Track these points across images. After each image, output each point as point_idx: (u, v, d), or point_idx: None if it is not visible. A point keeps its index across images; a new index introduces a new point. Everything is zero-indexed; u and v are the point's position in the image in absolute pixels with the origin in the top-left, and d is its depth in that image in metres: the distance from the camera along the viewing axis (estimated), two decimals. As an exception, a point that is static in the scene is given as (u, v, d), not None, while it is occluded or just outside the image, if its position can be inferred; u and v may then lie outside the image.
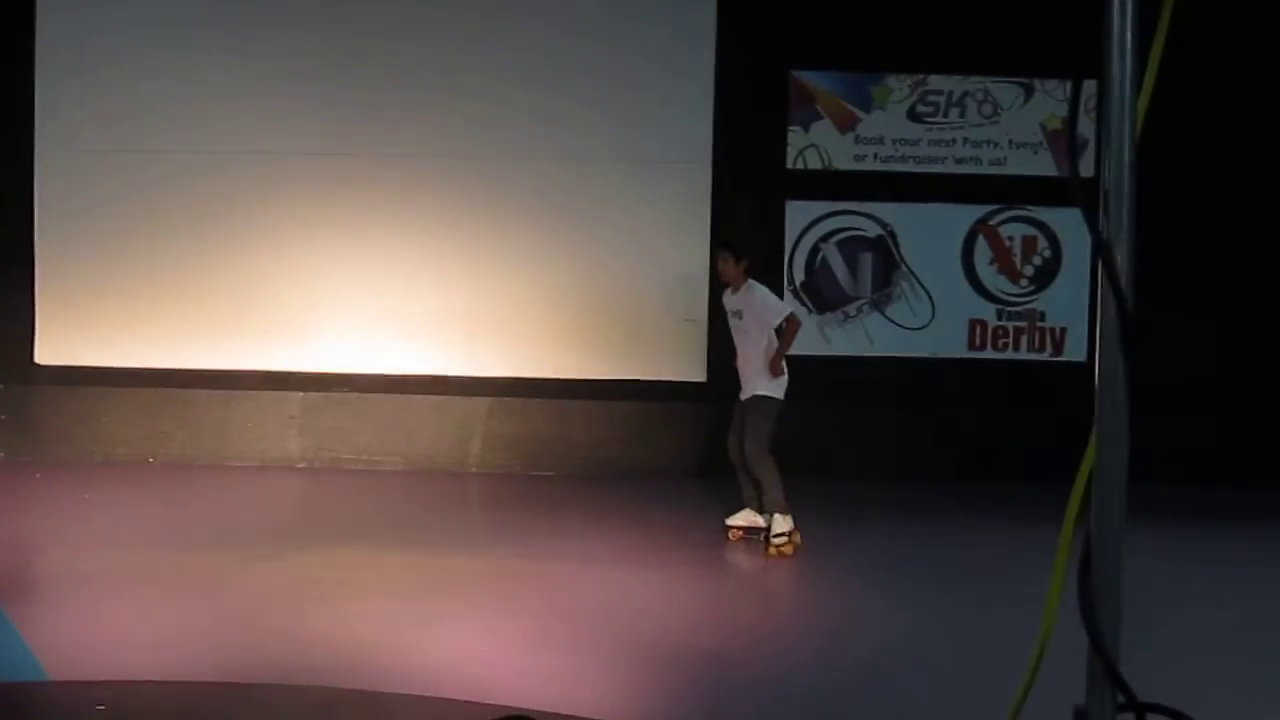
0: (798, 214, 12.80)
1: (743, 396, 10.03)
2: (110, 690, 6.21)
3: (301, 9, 12.69)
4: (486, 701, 6.28)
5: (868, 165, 12.78)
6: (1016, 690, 1.99)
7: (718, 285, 12.64)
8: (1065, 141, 12.69)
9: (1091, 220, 1.78)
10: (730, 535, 10.14)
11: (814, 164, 12.77)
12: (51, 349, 12.71)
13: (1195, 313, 12.21)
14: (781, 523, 9.78)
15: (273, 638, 7.35)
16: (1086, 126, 12.48)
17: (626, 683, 6.88)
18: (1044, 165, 12.73)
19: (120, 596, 8.08)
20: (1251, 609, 8.57)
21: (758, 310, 10.02)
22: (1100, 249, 1.77)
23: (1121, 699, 1.82)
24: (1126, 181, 1.78)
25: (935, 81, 12.76)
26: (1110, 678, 1.80)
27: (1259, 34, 12.48)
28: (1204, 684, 6.50)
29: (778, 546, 9.74)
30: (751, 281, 10.17)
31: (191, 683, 6.49)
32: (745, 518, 10.12)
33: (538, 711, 5.73)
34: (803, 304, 12.72)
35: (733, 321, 10.20)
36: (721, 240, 11.19)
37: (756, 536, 9.97)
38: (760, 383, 9.91)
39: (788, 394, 9.99)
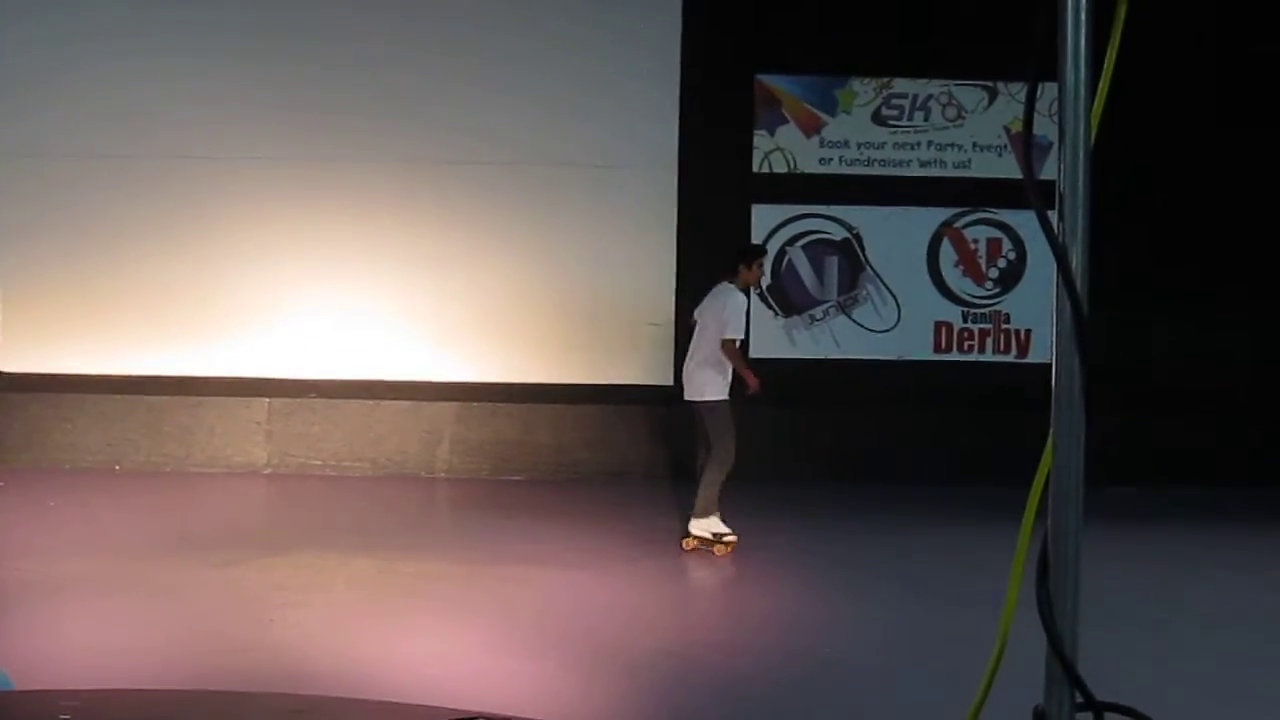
0: (764, 217, 12.84)
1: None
2: (77, 699, 6.17)
3: (264, 15, 12.65)
4: (454, 706, 6.27)
5: (833, 168, 12.84)
6: (976, 690, 2.00)
7: (684, 289, 12.70)
8: (1021, 144, 12.74)
9: (1046, 224, 1.79)
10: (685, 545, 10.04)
11: (780, 167, 12.81)
12: (14, 356, 12.62)
13: (1150, 311, 12.29)
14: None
15: (240, 644, 7.32)
16: (1050, 128, 12.63)
17: (592, 685, 6.88)
18: (1008, 168, 12.81)
19: (86, 604, 8.04)
20: (1213, 609, 8.62)
21: (712, 316, 9.90)
22: (1055, 251, 1.78)
23: (1080, 699, 1.83)
24: (1081, 185, 1.79)
25: (900, 85, 12.82)
26: (1068, 677, 1.81)
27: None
28: (1164, 684, 6.55)
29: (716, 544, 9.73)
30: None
31: (158, 690, 6.45)
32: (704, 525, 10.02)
33: (504, 716, 5.72)
34: (769, 307, 12.77)
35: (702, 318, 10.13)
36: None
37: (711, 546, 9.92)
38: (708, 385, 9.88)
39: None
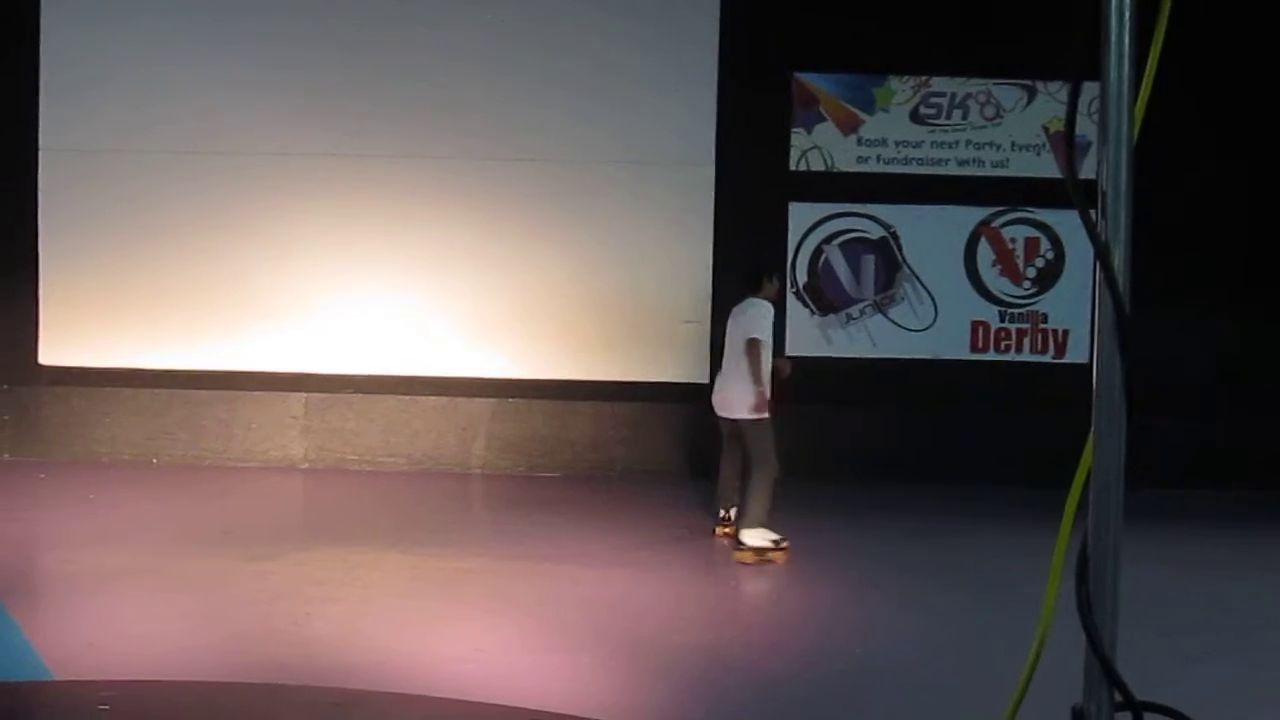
0: (801, 216, 12.82)
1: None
2: (114, 689, 6.22)
3: (307, 12, 12.71)
4: (489, 701, 6.30)
5: (870, 167, 12.81)
6: (1013, 690, 2.00)
7: (720, 287, 12.71)
8: (1064, 143, 12.70)
9: (1089, 222, 1.79)
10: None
11: (817, 166, 12.79)
12: (55, 350, 12.74)
13: (1193, 311, 12.22)
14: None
15: (276, 638, 7.36)
16: (1089, 128, 12.58)
17: (628, 683, 6.89)
18: (1046, 167, 12.75)
19: (124, 596, 8.10)
20: (1253, 612, 8.57)
21: (741, 323, 10.00)
22: (1098, 251, 1.78)
23: (1119, 698, 1.83)
24: (1124, 183, 1.79)
25: (938, 83, 12.78)
26: (1107, 676, 1.81)
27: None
28: (1203, 686, 6.52)
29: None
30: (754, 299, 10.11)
31: (195, 682, 6.50)
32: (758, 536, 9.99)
33: (541, 712, 5.74)
34: (805, 306, 12.74)
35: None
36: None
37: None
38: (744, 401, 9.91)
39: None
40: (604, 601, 8.46)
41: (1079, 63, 1.82)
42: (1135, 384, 1.78)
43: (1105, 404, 1.81)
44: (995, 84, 12.77)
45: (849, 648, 7.63)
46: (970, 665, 7.17)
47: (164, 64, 12.61)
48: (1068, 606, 1.91)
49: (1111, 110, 1.79)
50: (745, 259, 12.60)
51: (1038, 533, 10.16)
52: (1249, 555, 10.31)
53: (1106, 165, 1.80)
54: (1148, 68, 1.84)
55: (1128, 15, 1.78)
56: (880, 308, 12.85)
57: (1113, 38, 1.78)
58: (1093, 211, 1.82)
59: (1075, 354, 12.74)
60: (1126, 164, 1.79)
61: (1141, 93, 1.82)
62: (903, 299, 12.85)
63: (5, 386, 12.70)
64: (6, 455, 12.64)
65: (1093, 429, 1.84)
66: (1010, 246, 12.84)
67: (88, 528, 10.01)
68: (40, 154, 12.69)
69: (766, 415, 9.82)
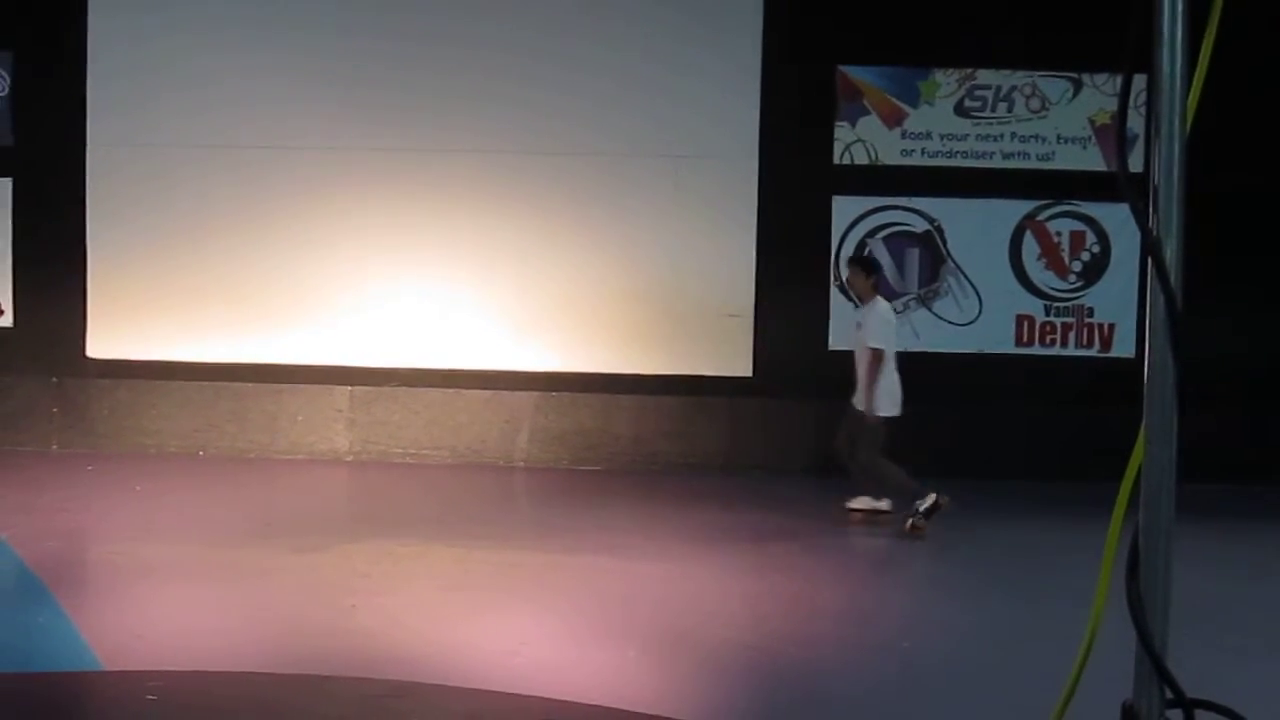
0: (845, 209, 12.79)
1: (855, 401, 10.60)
2: (162, 680, 6.28)
3: (353, 6, 12.77)
4: (535, 694, 6.32)
5: (915, 160, 12.76)
6: (1064, 685, 2.00)
7: (764, 280, 12.69)
8: (1114, 136, 12.61)
9: (1141, 216, 1.78)
10: (851, 517, 10.59)
11: (861, 159, 12.75)
12: (102, 343, 12.84)
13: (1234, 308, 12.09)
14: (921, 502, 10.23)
15: (322, 629, 7.40)
16: (1136, 121, 12.49)
17: (673, 677, 6.89)
18: (1092, 160, 12.66)
19: (171, 587, 8.17)
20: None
21: (869, 330, 10.55)
22: (1149, 245, 1.77)
23: (1169, 695, 1.82)
24: (1176, 178, 1.78)
25: (983, 76, 12.71)
26: (1158, 673, 1.80)
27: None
28: (1253, 683, 6.47)
29: (914, 525, 10.19)
30: (878, 298, 10.71)
31: (242, 673, 6.55)
32: (865, 502, 10.60)
33: (589, 706, 5.75)
34: (849, 299, 12.71)
35: (854, 333, 10.81)
36: (854, 257, 11.66)
37: (875, 519, 10.49)
38: (872, 399, 10.45)
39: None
40: (648, 595, 8.47)
41: (1130, 55, 1.81)
42: (1187, 381, 1.77)
43: (1157, 401, 1.80)
44: (1041, 76, 12.69)
45: (895, 642, 7.61)
46: (1019, 660, 7.14)
47: (211, 57, 12.68)
48: (1117, 602, 1.90)
49: (1164, 104, 1.78)
50: (788, 252, 12.65)
51: (1086, 527, 10.11)
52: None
53: (1159, 159, 1.79)
54: (1200, 61, 1.83)
55: (1180, 8, 1.77)
56: (924, 301, 12.80)
57: (1165, 31, 1.77)
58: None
59: (1121, 348, 12.66)
60: (1179, 158, 1.78)
61: (1194, 86, 1.81)
62: (947, 293, 12.80)
63: (54, 379, 12.81)
64: (55, 447, 12.76)
65: (1144, 426, 1.83)
66: (1055, 240, 12.76)
67: (135, 519, 10.09)
68: (88, 148, 12.79)
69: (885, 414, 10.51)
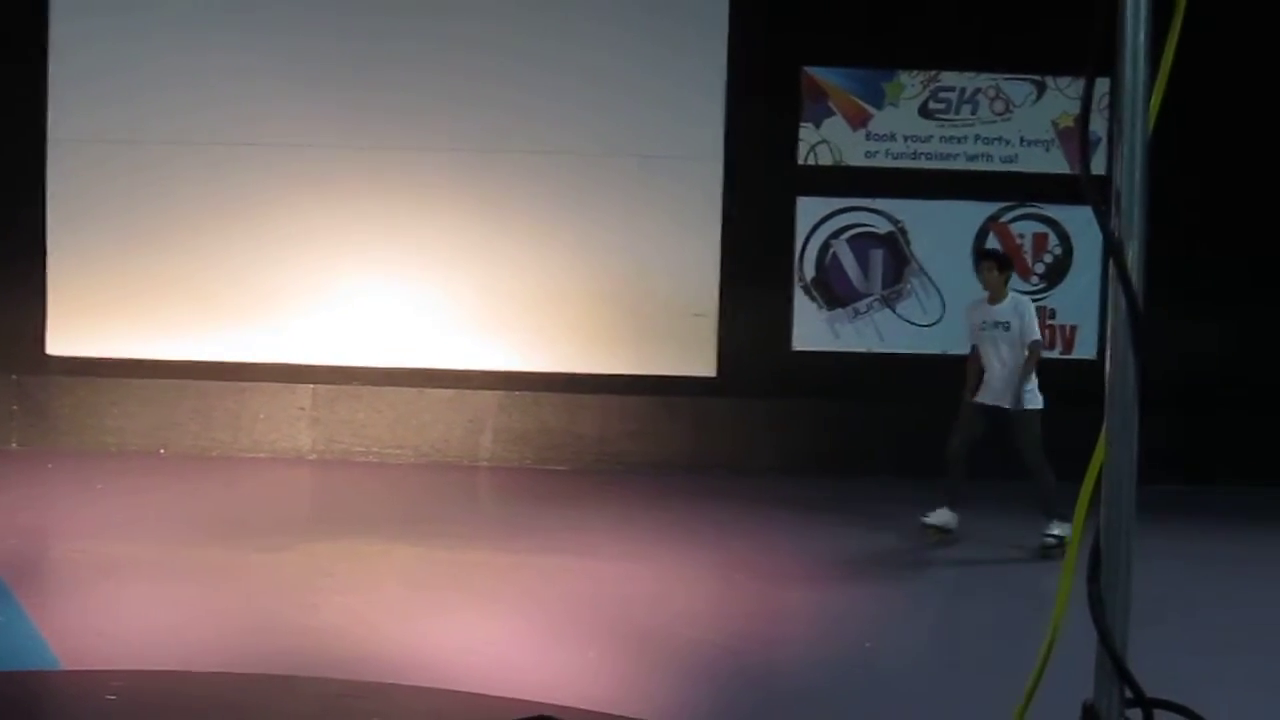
0: (809, 210, 12.81)
1: (989, 401, 10.10)
2: (123, 679, 6.25)
3: (321, 7, 12.72)
4: (496, 694, 6.32)
5: (879, 161, 12.79)
6: (1022, 684, 2.01)
7: (728, 280, 12.70)
8: (1077, 139, 12.68)
9: (1103, 219, 1.79)
10: (929, 535, 10.12)
11: (825, 160, 12.78)
12: (63, 340, 12.75)
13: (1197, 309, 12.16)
14: (1057, 527, 9.72)
15: (285, 628, 7.39)
16: (1099, 124, 12.56)
17: (635, 676, 6.90)
18: (1055, 163, 12.72)
19: (132, 586, 8.13)
20: (1257, 609, 8.57)
21: (1028, 325, 10.13)
22: (1112, 247, 1.79)
23: (1129, 694, 1.84)
24: (1139, 181, 1.79)
25: (947, 78, 12.76)
26: (1118, 673, 1.82)
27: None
28: (1209, 681, 6.52)
29: (1047, 547, 9.69)
30: (1016, 294, 10.44)
31: (203, 672, 6.52)
32: (942, 517, 10.12)
33: (553, 705, 5.75)
34: (813, 300, 12.75)
35: (993, 332, 10.17)
36: (987, 250, 11.29)
37: (950, 535, 10.05)
38: (1023, 394, 10.01)
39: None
40: (612, 595, 8.47)
41: (1093, 58, 1.83)
42: (1148, 383, 1.78)
43: (1118, 402, 1.81)
44: (1005, 79, 12.74)
45: (858, 642, 7.64)
46: (980, 661, 7.18)
47: (173, 54, 12.59)
48: (1079, 602, 1.92)
49: (1127, 107, 1.80)
50: (753, 252, 12.66)
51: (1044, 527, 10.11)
52: (1250, 550, 10.30)
53: (1121, 161, 1.80)
54: (1162, 65, 1.84)
55: (1144, 13, 1.78)
56: (888, 302, 12.83)
57: (1129, 35, 1.78)
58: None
59: (1083, 350, 12.72)
60: (1141, 161, 1.79)
61: (1156, 90, 1.83)
62: (910, 294, 12.84)
63: (13, 377, 12.71)
64: (15, 445, 12.66)
65: (1105, 427, 1.84)
66: (1019, 242, 12.82)
67: (96, 517, 10.03)
68: (49, 144, 12.69)
69: (1040, 406, 10.16)
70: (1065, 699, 2.07)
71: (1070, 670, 2.20)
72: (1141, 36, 1.78)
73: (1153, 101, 1.79)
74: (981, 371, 10.20)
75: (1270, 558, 10.10)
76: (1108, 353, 1.81)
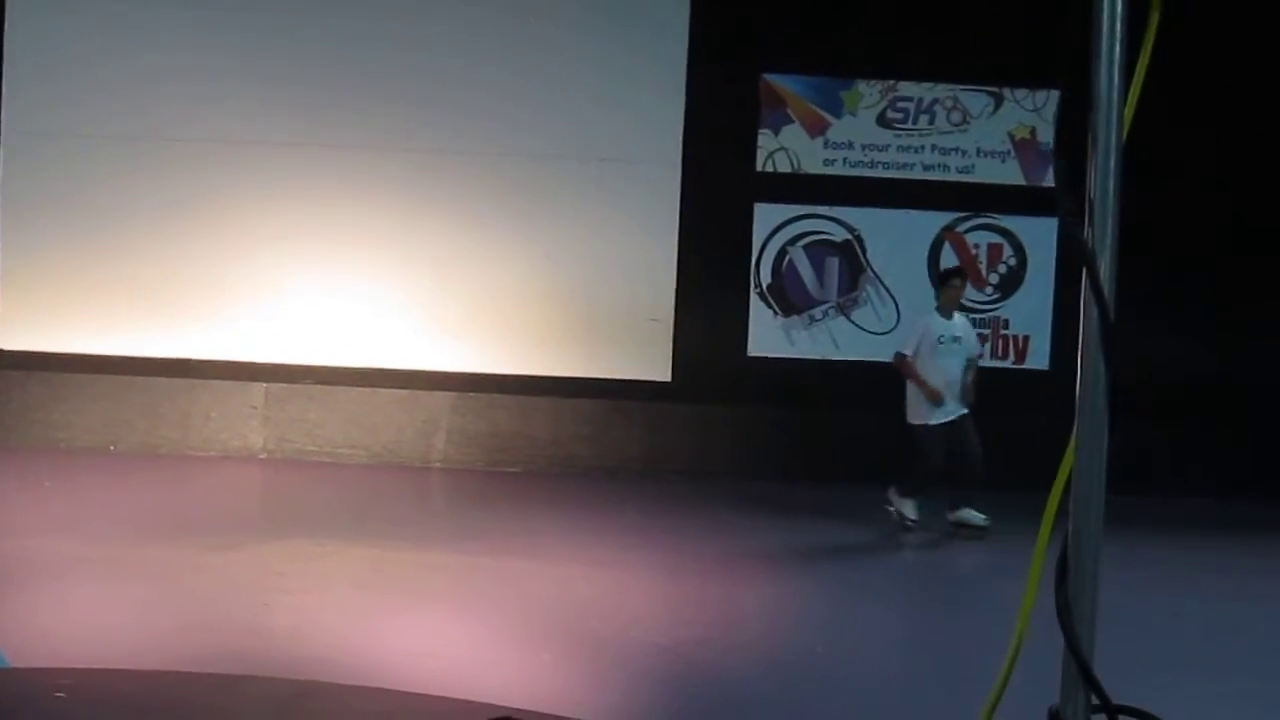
0: (766, 216, 12.85)
1: (953, 417, 10.48)
2: (70, 677, 6.18)
3: (278, 6, 12.66)
4: (449, 695, 6.28)
5: (837, 170, 12.85)
6: (990, 692, 2.02)
7: (684, 286, 12.71)
8: (1038, 150, 12.78)
9: (1076, 229, 1.80)
10: (959, 533, 10.51)
11: (783, 167, 12.82)
12: (12, 335, 12.63)
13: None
14: (908, 505, 10.54)
15: (235, 628, 7.33)
16: (1054, 135, 12.62)
17: (585, 678, 6.90)
18: (1011, 174, 12.82)
19: (81, 584, 8.05)
20: (1215, 618, 8.63)
21: (974, 339, 10.92)
22: (1085, 257, 1.79)
23: (1095, 700, 1.85)
24: (1112, 192, 1.80)
25: (905, 88, 12.83)
26: (1084, 679, 1.83)
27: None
28: (1171, 690, 6.56)
29: (903, 517, 10.53)
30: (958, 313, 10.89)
31: (152, 672, 6.46)
32: (971, 515, 10.52)
33: (509, 708, 5.72)
34: (769, 306, 12.78)
35: (950, 346, 10.56)
36: (957, 269, 11.57)
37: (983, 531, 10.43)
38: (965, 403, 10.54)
39: None
40: (564, 597, 8.46)
41: (1066, 68, 1.84)
42: (1119, 391, 1.79)
43: (1088, 411, 1.82)
44: (962, 90, 12.83)
45: (811, 646, 7.66)
46: (936, 667, 7.21)
47: (129, 52, 12.51)
48: (1042, 611, 1.92)
49: (1101, 118, 1.80)
50: (710, 258, 12.69)
51: (1004, 535, 10.21)
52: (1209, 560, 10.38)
53: (1095, 173, 1.81)
54: (1135, 77, 1.85)
55: (1119, 24, 1.79)
56: (843, 310, 12.89)
57: (1104, 47, 1.79)
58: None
59: (1035, 360, 12.82)
60: (1115, 172, 1.80)
61: (1129, 102, 1.84)
62: (866, 302, 12.90)
63: (-39, 371, 12.59)
64: (-38, 440, 12.54)
65: (1075, 434, 1.85)
66: (974, 252, 12.90)
67: (44, 515, 9.93)
68: (1, 139, 12.57)
69: (921, 422, 10.55)
70: (1031, 706, 2.08)
71: (1036, 678, 2.21)
72: (1117, 48, 1.79)
73: (1127, 109, 1.80)
74: (936, 391, 10.46)
75: (1224, 567, 10.16)
76: (1079, 360, 1.82)
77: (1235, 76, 12.46)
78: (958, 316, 10.74)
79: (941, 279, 11.18)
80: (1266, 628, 8.46)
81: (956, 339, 10.53)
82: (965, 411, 10.45)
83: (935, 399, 10.39)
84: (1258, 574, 10.02)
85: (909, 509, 10.52)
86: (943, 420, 10.41)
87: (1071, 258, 12.41)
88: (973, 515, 10.44)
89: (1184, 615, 8.66)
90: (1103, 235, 1.81)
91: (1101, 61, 1.80)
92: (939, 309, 10.73)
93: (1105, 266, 1.80)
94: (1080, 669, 1.81)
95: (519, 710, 5.90)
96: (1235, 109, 12.54)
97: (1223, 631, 8.32)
